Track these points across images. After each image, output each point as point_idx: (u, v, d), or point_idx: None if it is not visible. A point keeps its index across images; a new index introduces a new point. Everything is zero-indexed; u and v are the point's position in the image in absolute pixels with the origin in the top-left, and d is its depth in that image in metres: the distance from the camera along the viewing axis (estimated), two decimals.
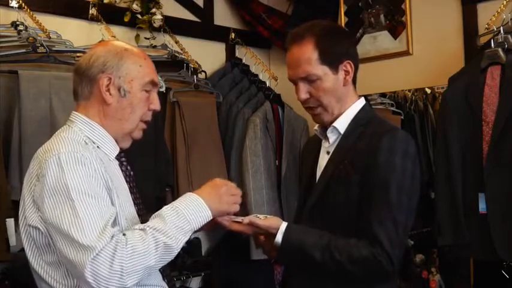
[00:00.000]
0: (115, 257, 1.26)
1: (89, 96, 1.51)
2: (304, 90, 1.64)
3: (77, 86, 1.54)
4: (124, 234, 1.32)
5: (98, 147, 1.49)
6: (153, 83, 1.56)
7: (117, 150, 1.55)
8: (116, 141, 1.55)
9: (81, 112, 1.52)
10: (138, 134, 1.58)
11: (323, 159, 1.69)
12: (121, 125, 1.52)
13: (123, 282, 1.27)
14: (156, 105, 1.58)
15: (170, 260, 1.39)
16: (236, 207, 1.55)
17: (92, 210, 1.31)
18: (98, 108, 1.51)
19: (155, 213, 1.41)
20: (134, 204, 1.55)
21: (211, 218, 1.47)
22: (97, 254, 1.25)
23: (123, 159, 1.61)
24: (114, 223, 1.37)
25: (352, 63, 1.64)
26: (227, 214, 1.55)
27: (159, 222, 1.37)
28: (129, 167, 1.62)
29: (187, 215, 1.40)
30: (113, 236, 1.29)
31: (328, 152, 1.68)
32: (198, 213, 1.42)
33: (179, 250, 1.39)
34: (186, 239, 1.40)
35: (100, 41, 2.57)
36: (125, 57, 1.51)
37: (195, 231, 1.46)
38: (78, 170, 1.35)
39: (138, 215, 1.53)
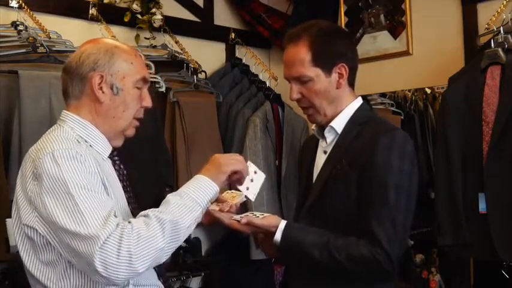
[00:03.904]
0: (121, 243, 1.25)
1: (80, 95, 1.50)
2: (296, 91, 1.64)
3: (67, 85, 1.52)
4: (129, 222, 1.32)
5: (90, 146, 1.48)
6: (145, 80, 1.56)
7: (109, 149, 1.55)
8: (109, 139, 1.54)
9: (72, 111, 1.50)
10: (131, 132, 1.57)
11: (320, 159, 1.69)
12: (114, 122, 1.51)
13: (133, 268, 1.26)
14: (148, 102, 1.57)
15: (182, 240, 1.37)
16: (239, 164, 1.53)
17: (92, 202, 1.30)
18: (89, 106, 1.50)
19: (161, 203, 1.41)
20: (128, 203, 1.55)
21: (217, 187, 1.46)
22: (104, 243, 1.25)
23: (116, 158, 1.60)
24: (116, 214, 1.36)
25: (347, 66, 1.63)
26: (234, 178, 1.54)
27: (162, 206, 1.37)
28: (122, 166, 1.61)
29: (189, 192, 1.40)
30: (118, 225, 1.29)
31: (325, 152, 1.68)
32: (201, 187, 1.42)
33: (191, 229, 1.38)
34: (195, 216, 1.38)
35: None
36: (116, 54, 1.50)
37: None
38: (74, 166, 1.34)
39: (132, 214, 1.52)
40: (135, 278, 1.41)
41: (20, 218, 1.39)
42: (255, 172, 1.64)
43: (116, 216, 1.33)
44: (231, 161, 1.53)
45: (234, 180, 1.57)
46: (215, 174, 1.47)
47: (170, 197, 1.40)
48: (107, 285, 1.34)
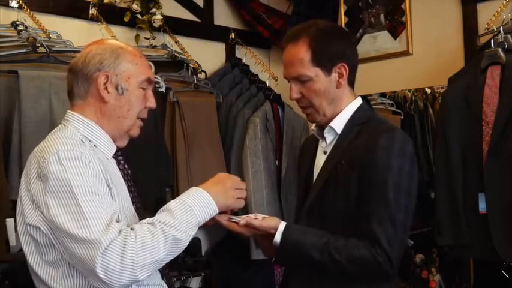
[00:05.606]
0: (125, 250, 1.26)
1: (85, 95, 1.51)
2: (295, 90, 1.65)
3: (72, 85, 1.53)
4: (132, 229, 1.32)
5: (94, 146, 1.49)
6: (149, 81, 1.58)
7: (114, 149, 1.56)
8: (113, 140, 1.55)
9: (77, 111, 1.52)
10: (135, 132, 1.58)
11: (320, 159, 1.69)
12: (119, 122, 1.53)
13: (134, 276, 1.27)
14: (153, 102, 1.59)
15: (178, 253, 1.38)
16: (241, 203, 1.55)
17: (96, 207, 1.31)
18: (94, 106, 1.51)
19: (162, 207, 1.41)
20: (132, 202, 1.55)
21: (217, 212, 1.47)
22: (106, 248, 1.25)
23: (120, 157, 1.61)
24: (118, 219, 1.37)
25: (347, 66, 1.63)
26: (232, 210, 1.56)
27: (167, 216, 1.37)
28: (126, 166, 1.62)
29: (194, 209, 1.40)
30: (120, 231, 1.29)
31: (325, 152, 1.68)
32: (205, 207, 1.43)
33: (187, 244, 1.39)
34: (194, 232, 1.40)
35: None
36: (121, 55, 1.52)
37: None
38: (79, 168, 1.35)
39: (136, 213, 1.53)
40: None
41: (24, 218, 1.40)
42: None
43: (118, 221, 1.34)
44: (238, 201, 1.53)
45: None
46: (221, 200, 1.47)
47: (174, 206, 1.40)
48: None
